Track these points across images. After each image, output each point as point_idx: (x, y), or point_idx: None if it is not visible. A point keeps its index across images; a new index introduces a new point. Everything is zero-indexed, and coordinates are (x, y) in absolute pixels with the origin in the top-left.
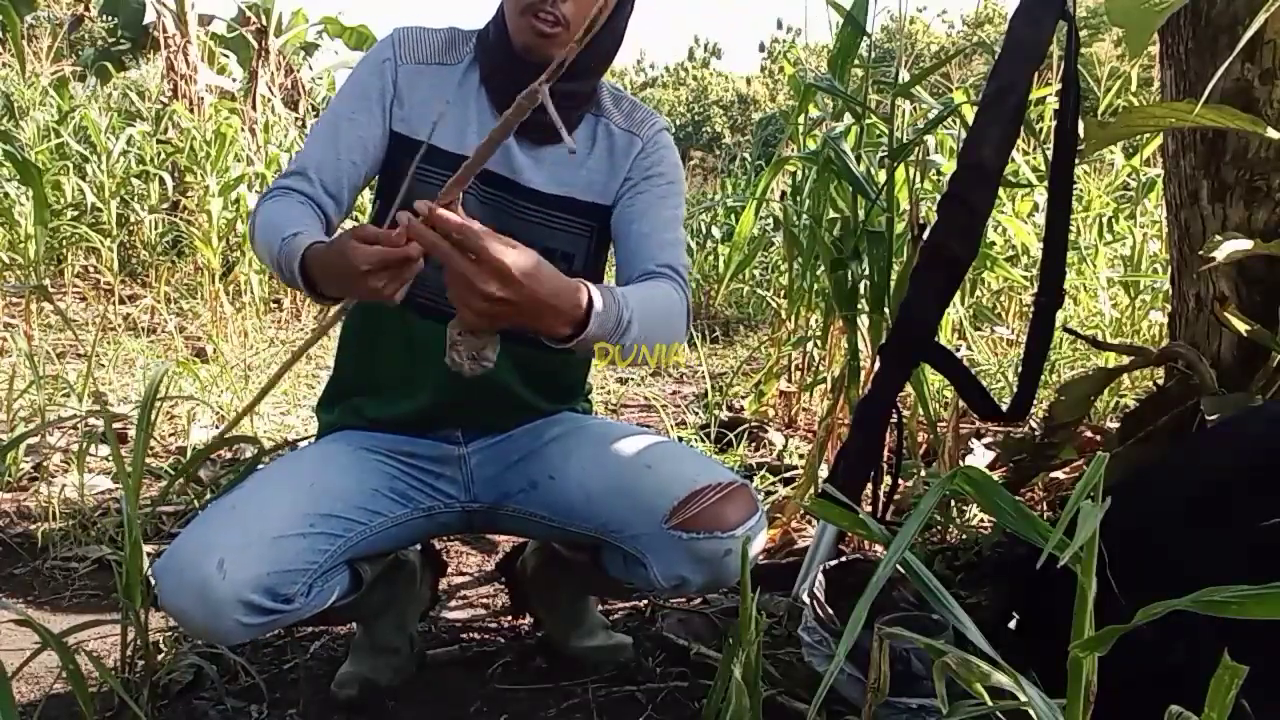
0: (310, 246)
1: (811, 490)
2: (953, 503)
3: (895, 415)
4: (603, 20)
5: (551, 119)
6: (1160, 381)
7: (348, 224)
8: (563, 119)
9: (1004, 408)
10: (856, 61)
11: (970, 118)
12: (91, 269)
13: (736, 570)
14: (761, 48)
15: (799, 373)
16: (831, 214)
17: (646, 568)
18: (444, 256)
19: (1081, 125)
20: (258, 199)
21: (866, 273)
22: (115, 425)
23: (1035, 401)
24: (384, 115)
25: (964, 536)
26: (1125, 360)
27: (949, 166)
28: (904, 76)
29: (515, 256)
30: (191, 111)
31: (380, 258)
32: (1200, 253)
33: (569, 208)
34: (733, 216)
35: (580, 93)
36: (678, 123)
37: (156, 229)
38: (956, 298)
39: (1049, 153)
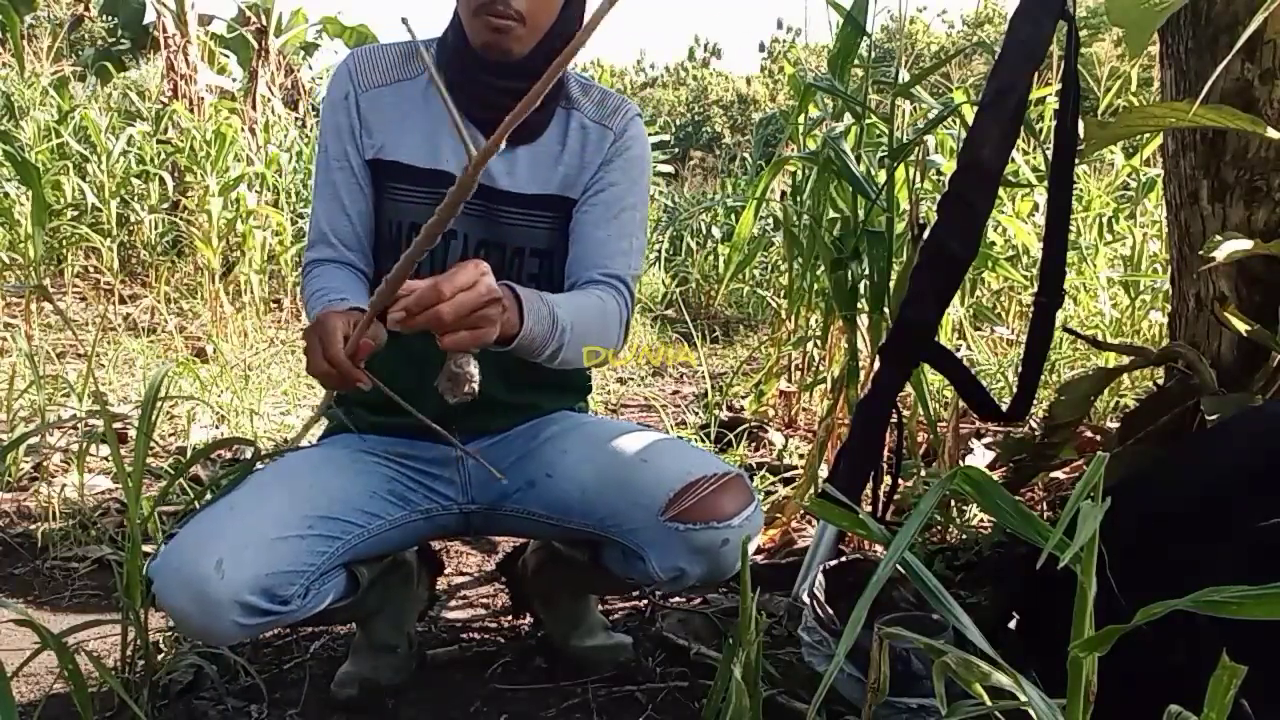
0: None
1: (811, 490)
2: (953, 503)
3: (895, 415)
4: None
5: (524, 121)
6: (1160, 381)
7: None
8: (534, 119)
9: (1004, 408)
10: (856, 61)
11: (970, 118)
12: (91, 269)
13: (734, 560)
14: (761, 48)
15: (799, 373)
16: (831, 214)
17: (645, 561)
18: (457, 313)
19: (1081, 125)
20: (302, 276)
21: (866, 273)
22: (115, 425)
23: (1035, 401)
24: (359, 149)
25: (964, 536)
26: (1125, 360)
27: (949, 166)
28: (904, 76)
29: (471, 263)
30: (191, 111)
31: (326, 377)
32: (1200, 253)
33: (548, 205)
34: (733, 216)
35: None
36: (678, 123)
37: (156, 229)
38: (956, 298)
39: (1049, 153)
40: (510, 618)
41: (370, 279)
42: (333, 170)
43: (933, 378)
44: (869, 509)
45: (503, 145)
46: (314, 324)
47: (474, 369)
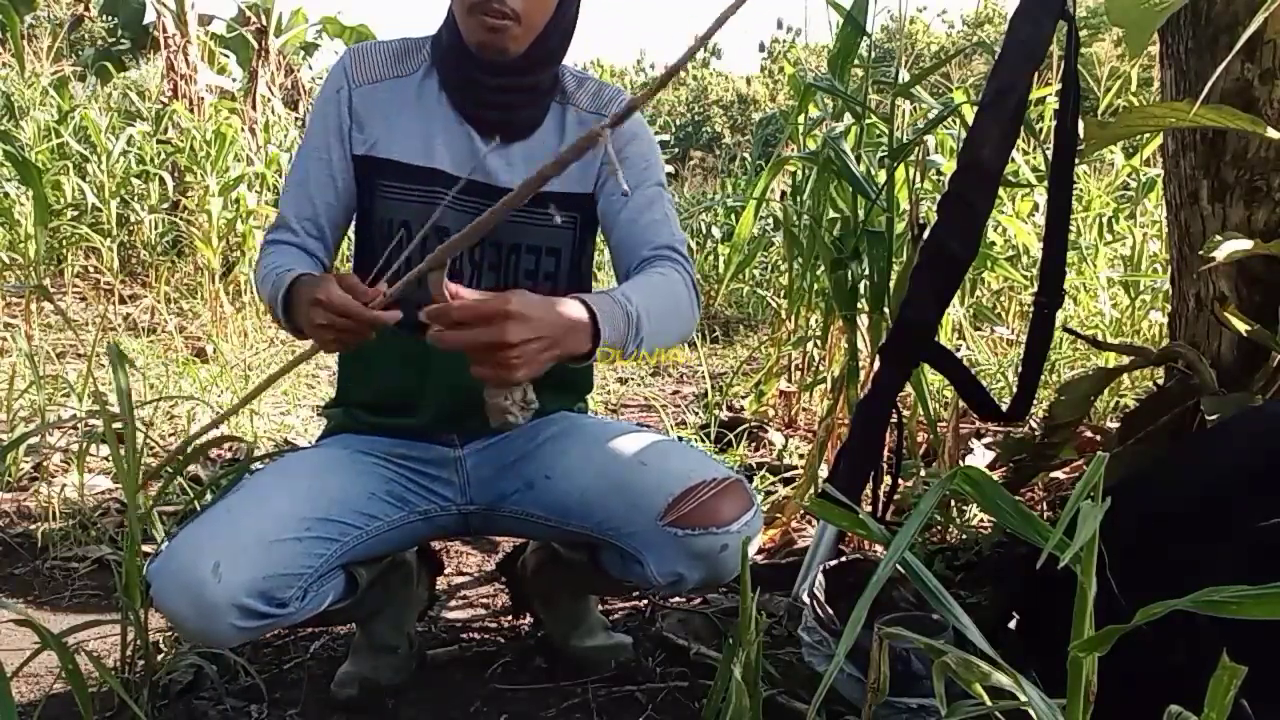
0: (297, 277)
1: (811, 490)
2: (953, 503)
3: (895, 415)
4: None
5: (519, 117)
6: (1160, 381)
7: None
8: (529, 114)
9: (1004, 408)
10: (856, 61)
11: (970, 118)
12: (91, 269)
13: (733, 566)
14: (761, 48)
15: (799, 373)
16: (831, 214)
17: (643, 565)
18: (461, 342)
19: (1081, 125)
20: (258, 254)
21: (866, 273)
22: (115, 425)
23: (1035, 401)
24: (345, 145)
25: (964, 536)
26: (1125, 360)
27: (949, 166)
28: (904, 76)
29: (516, 299)
30: (191, 111)
31: (340, 314)
32: (1200, 253)
33: (562, 204)
34: (733, 216)
35: (540, 84)
36: (678, 123)
37: (156, 229)
38: (956, 298)
39: (1049, 153)
40: (510, 618)
41: (327, 270)
42: (310, 161)
43: (933, 378)
44: (869, 509)
45: (492, 140)
46: (312, 288)
47: (510, 403)
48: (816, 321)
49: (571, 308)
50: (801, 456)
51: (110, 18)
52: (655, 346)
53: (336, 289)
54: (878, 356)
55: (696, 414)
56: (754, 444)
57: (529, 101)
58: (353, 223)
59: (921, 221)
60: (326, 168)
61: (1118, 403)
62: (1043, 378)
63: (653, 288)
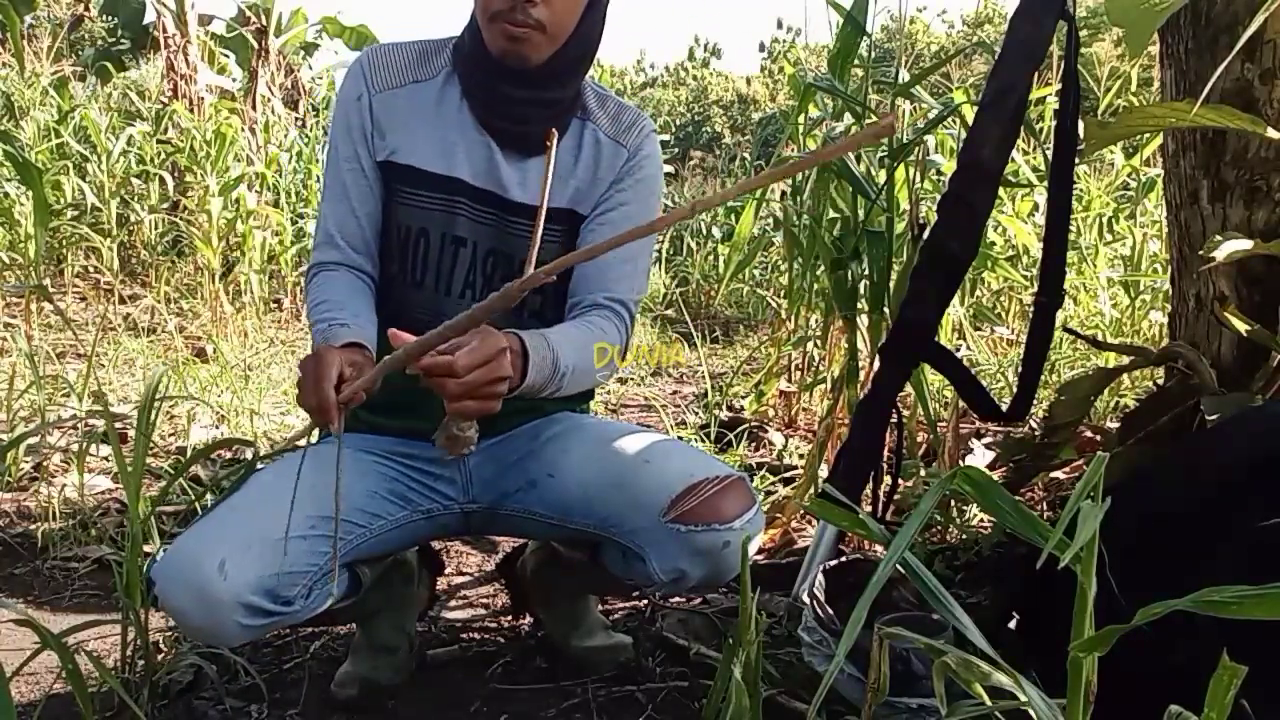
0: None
1: (811, 490)
2: (953, 503)
3: (895, 415)
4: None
5: (539, 132)
6: (1160, 381)
7: None
8: (549, 129)
9: (1004, 408)
10: (856, 61)
11: (970, 118)
12: (91, 269)
13: (735, 563)
14: (761, 48)
15: (799, 373)
16: (831, 214)
17: (645, 562)
18: (470, 386)
19: (1081, 125)
20: (306, 277)
21: (866, 273)
22: (115, 425)
23: (1035, 401)
24: (370, 151)
25: (964, 536)
26: (1125, 360)
27: (949, 166)
28: (904, 76)
29: (503, 337)
30: (191, 111)
31: (313, 412)
32: (1200, 253)
33: (558, 219)
34: (733, 216)
35: (563, 99)
36: (677, 123)
37: (156, 229)
38: (956, 298)
39: (1049, 153)
40: (510, 618)
41: (376, 282)
42: (342, 171)
43: (933, 378)
44: (869, 509)
45: (511, 152)
46: (311, 356)
47: (474, 432)
48: (816, 321)
49: (513, 338)
50: (801, 456)
51: (110, 18)
52: (564, 394)
53: (332, 380)
54: (878, 356)
55: (696, 414)
56: (754, 444)
57: (550, 116)
58: None
59: (921, 221)
60: (362, 177)
61: (1118, 403)
62: (1043, 378)
63: (588, 346)
